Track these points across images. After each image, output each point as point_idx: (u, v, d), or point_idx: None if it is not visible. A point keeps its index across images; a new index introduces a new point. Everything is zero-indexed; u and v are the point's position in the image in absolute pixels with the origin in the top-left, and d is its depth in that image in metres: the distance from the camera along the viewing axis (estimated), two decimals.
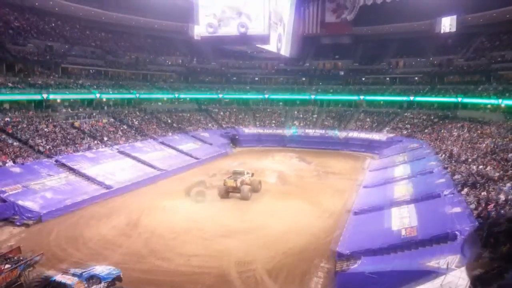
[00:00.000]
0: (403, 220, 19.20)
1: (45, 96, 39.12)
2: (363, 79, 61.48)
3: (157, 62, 60.12)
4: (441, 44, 57.20)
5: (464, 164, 26.81)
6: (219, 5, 11.05)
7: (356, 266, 15.17)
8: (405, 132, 47.76)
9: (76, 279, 12.96)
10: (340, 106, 59.14)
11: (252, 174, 29.57)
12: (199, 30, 11.83)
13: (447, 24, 28.22)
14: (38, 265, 15.17)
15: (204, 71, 64.31)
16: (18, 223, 21.74)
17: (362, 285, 13.75)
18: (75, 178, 28.75)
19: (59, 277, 13.12)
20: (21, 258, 14.83)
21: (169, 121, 50.87)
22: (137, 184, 30.53)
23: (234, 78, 65.20)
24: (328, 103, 60.10)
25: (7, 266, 13.82)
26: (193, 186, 28.28)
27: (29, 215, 22.32)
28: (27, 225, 21.61)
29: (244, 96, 62.39)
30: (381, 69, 59.99)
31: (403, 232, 17.63)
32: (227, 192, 27.53)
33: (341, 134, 50.23)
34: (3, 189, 23.61)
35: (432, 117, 49.38)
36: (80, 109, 43.30)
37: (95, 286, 13.26)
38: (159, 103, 56.06)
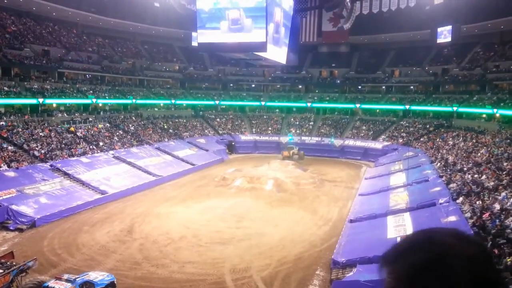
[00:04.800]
0: (398, 228, 19.22)
1: (41, 100, 39.02)
2: (360, 87, 61.84)
3: (154, 68, 60.20)
4: (437, 54, 57.81)
5: (459, 173, 26.94)
6: (219, 12, 11.10)
7: (351, 274, 15.15)
8: (401, 140, 47.96)
9: (69, 285, 12.83)
10: (337, 114, 59.36)
11: (298, 148, 45.84)
12: (197, 37, 11.87)
13: (443, 34, 28.42)
14: (31, 270, 15.03)
15: (201, 77, 64.41)
16: (11, 228, 21.53)
17: None
18: (70, 183, 28.58)
19: (52, 283, 12.99)
20: (14, 263, 14.70)
21: (166, 127, 50.82)
22: (132, 189, 30.37)
23: (231, 85, 65.30)
24: (324, 111, 60.28)
25: None
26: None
27: (23, 219, 22.14)
28: (21, 230, 21.42)
29: (241, 103, 62.47)
30: (378, 78, 60.37)
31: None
32: (284, 158, 43.36)
33: (337, 141, 50.32)
34: None
35: (428, 126, 49.65)
36: (76, 114, 43.20)
37: None
38: (156, 109, 56.04)
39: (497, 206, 18.27)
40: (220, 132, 55.39)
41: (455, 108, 48.20)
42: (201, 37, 11.74)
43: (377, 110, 57.60)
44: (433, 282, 0.92)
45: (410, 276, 0.95)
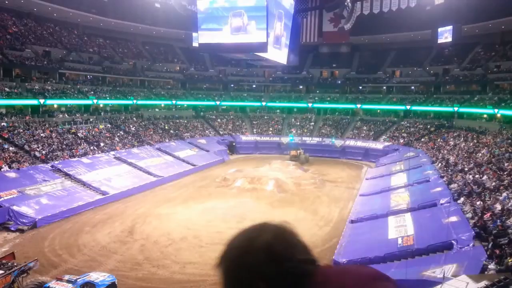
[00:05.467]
0: (399, 229, 19.21)
1: (42, 101, 39.05)
2: (361, 87, 61.77)
3: (155, 68, 60.22)
4: (437, 54, 57.75)
5: (460, 173, 26.89)
6: (219, 12, 11.08)
7: None
8: (402, 140, 47.90)
9: (70, 286, 12.84)
10: (338, 114, 59.31)
11: (303, 150, 45.77)
12: (198, 37, 11.84)
13: (444, 34, 28.43)
14: (32, 271, 15.02)
15: (202, 78, 64.43)
16: (12, 229, 21.56)
17: None
18: (71, 183, 28.59)
19: (53, 284, 13.00)
20: (15, 264, 14.70)
21: (166, 127, 50.84)
22: (133, 190, 30.37)
23: (232, 86, 65.32)
24: (325, 111, 60.21)
25: (0, 272, 13.68)
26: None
27: (24, 220, 22.15)
28: (22, 231, 21.44)
29: (242, 104, 62.45)
30: (378, 78, 60.32)
31: (400, 241, 17.63)
32: (292, 159, 43.41)
33: (338, 142, 50.30)
34: None
35: (429, 126, 49.60)
36: (77, 115, 43.23)
37: None
38: (157, 110, 56.07)
39: (498, 207, 18.25)
40: (221, 132, 55.39)
41: (456, 109, 48.13)
42: (201, 37, 11.72)
43: (378, 111, 57.54)
44: (243, 271, 1.10)
45: (228, 271, 1.13)
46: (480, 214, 17.96)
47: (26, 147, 31.59)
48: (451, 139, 41.56)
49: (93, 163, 32.73)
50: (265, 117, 60.58)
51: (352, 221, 22.53)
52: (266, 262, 1.07)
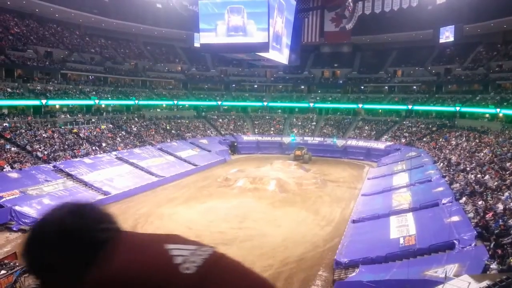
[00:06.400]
0: (401, 228, 19.19)
1: (44, 101, 39.14)
2: (362, 87, 61.69)
3: (157, 69, 60.29)
4: (439, 54, 57.68)
5: (462, 173, 26.85)
6: (220, 10, 11.10)
7: (354, 275, 15.12)
8: (404, 140, 47.85)
9: None
10: (339, 114, 59.23)
11: (307, 149, 45.75)
12: (199, 38, 11.87)
13: (446, 34, 28.43)
14: None
15: (203, 78, 64.46)
16: (14, 229, 21.62)
17: None
18: (73, 184, 28.63)
19: None
20: (17, 264, 14.74)
21: (168, 127, 50.88)
22: (135, 190, 30.38)
23: (234, 86, 65.31)
24: (327, 111, 60.16)
25: (2, 272, 13.73)
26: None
27: (26, 220, 22.17)
28: (24, 231, 21.46)
29: (243, 104, 62.44)
30: (380, 78, 60.23)
31: (402, 241, 17.61)
32: (296, 158, 43.55)
33: (340, 142, 50.27)
34: (0, 194, 23.51)
35: (431, 126, 49.53)
36: (79, 115, 43.27)
37: None
38: (158, 110, 56.10)
39: (500, 206, 18.21)
40: (223, 132, 55.40)
41: (458, 108, 48.07)
42: (203, 38, 11.74)
43: (380, 110, 57.45)
44: (38, 249, 1.11)
45: (27, 253, 1.12)
46: (482, 214, 17.94)
47: (28, 147, 31.66)
48: (453, 138, 41.49)
49: (95, 163, 32.77)
50: (267, 117, 60.56)
51: (353, 221, 22.50)
52: (57, 236, 1.11)
